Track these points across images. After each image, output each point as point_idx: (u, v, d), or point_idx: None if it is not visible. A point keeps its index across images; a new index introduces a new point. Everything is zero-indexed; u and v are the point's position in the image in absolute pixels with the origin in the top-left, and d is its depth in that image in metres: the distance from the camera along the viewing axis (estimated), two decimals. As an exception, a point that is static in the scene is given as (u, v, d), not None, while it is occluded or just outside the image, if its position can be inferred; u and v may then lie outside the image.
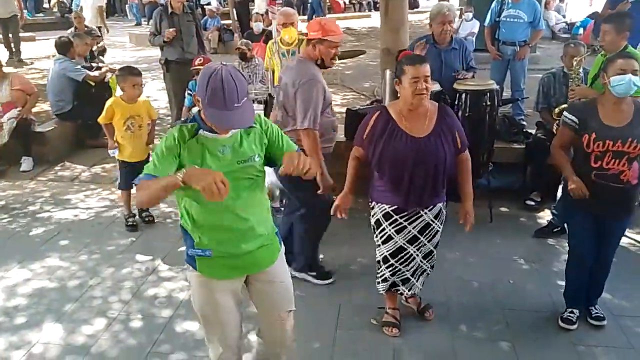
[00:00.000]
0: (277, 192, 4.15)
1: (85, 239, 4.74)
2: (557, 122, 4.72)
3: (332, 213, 3.37)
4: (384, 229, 3.31)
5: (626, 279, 4.11)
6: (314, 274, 4.09)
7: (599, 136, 3.22)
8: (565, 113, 3.45)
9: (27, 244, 4.67)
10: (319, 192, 3.61)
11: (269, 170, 3.53)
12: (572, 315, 3.56)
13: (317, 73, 3.65)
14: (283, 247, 2.69)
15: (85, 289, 4.00)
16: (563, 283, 3.72)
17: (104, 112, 4.77)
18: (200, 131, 2.36)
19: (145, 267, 4.29)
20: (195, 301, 2.56)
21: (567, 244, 3.73)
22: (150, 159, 2.49)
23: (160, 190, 2.22)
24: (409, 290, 3.50)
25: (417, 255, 3.35)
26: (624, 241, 4.66)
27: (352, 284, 4.08)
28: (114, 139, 4.85)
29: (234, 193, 2.32)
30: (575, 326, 3.51)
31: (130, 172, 4.73)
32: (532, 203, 5.26)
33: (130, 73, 4.83)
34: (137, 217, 5.06)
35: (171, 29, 6.72)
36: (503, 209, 5.24)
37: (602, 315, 3.62)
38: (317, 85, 3.59)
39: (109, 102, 4.82)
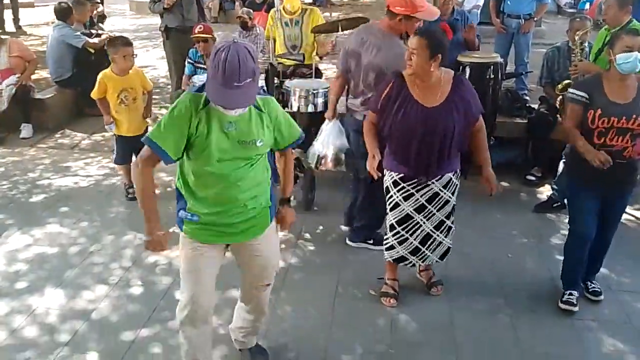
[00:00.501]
0: (343, 157, 4.12)
1: (86, 206, 4.74)
2: (560, 97, 4.70)
3: (370, 177, 3.24)
4: (392, 196, 3.34)
5: (626, 255, 4.14)
6: (371, 241, 4.13)
7: (604, 112, 3.20)
8: (572, 90, 3.39)
9: (28, 211, 4.67)
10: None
11: (334, 133, 3.54)
12: (571, 297, 3.54)
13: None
14: (273, 223, 2.70)
15: (86, 256, 4.01)
16: (562, 258, 3.73)
17: (96, 86, 4.60)
18: (211, 103, 2.35)
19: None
20: (180, 256, 2.67)
21: (566, 219, 3.74)
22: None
23: (140, 204, 2.54)
24: (422, 262, 3.49)
25: (425, 223, 3.34)
26: (624, 217, 4.69)
27: (350, 255, 4.10)
28: (109, 113, 4.72)
29: (231, 170, 2.41)
30: (576, 308, 3.50)
31: (128, 147, 4.70)
32: (533, 178, 5.26)
33: (120, 43, 4.61)
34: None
35: None
36: (504, 183, 5.23)
37: (599, 290, 3.64)
38: None
39: (100, 76, 4.62)
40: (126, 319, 3.37)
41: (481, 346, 3.22)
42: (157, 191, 4.86)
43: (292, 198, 2.58)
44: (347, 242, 4.21)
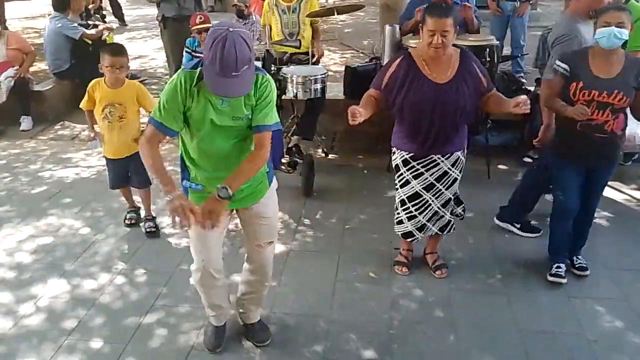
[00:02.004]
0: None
1: (87, 196, 4.78)
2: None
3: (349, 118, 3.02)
4: (402, 174, 3.42)
5: (622, 233, 4.20)
6: (518, 226, 4.19)
7: (585, 85, 3.27)
8: (557, 62, 3.44)
9: (30, 202, 4.71)
10: (535, 141, 3.84)
11: None
12: (560, 270, 3.62)
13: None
14: (272, 186, 2.86)
15: (89, 245, 4.06)
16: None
17: (85, 96, 4.04)
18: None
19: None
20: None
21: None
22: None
23: (153, 176, 2.64)
24: (423, 234, 3.58)
25: (434, 202, 3.44)
26: (620, 197, 4.76)
27: (350, 239, 4.15)
28: (97, 128, 4.15)
29: (226, 142, 2.58)
30: (565, 280, 3.59)
31: (118, 170, 4.14)
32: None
33: (107, 51, 3.94)
34: (137, 214, 4.37)
35: None
36: (501, 165, 5.28)
37: (585, 265, 3.71)
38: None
39: (90, 84, 4.03)
40: (130, 306, 3.42)
41: (479, 324, 3.27)
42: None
43: (229, 193, 2.45)
44: (495, 220, 4.31)
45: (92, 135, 4.18)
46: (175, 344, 3.11)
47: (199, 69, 2.42)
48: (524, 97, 2.95)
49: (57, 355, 3.03)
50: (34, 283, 3.63)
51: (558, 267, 3.64)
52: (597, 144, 3.33)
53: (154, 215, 4.31)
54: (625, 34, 3.18)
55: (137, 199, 4.38)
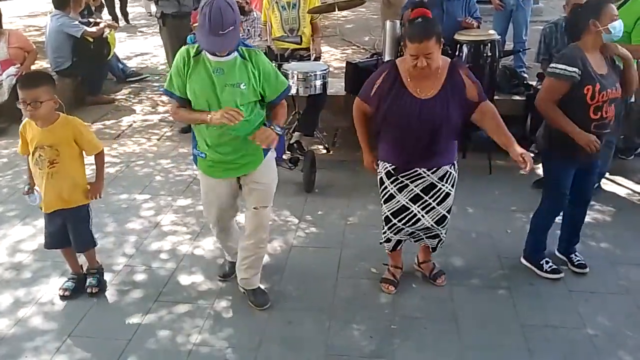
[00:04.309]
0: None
1: (89, 194, 4.77)
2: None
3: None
4: (386, 187, 3.28)
5: (624, 228, 4.19)
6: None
7: (603, 86, 3.19)
8: (559, 65, 3.24)
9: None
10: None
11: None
12: (550, 264, 3.63)
13: None
14: (270, 155, 3.22)
15: (90, 243, 4.05)
16: (560, 233, 3.79)
17: (20, 139, 3.38)
18: (203, 52, 2.91)
19: (149, 222, 4.35)
20: (200, 188, 3.39)
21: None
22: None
23: (192, 121, 3.07)
24: (415, 241, 3.51)
25: (424, 217, 3.26)
26: (622, 191, 4.75)
27: (351, 235, 4.15)
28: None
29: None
30: (562, 274, 3.61)
31: (51, 228, 3.40)
32: (532, 155, 5.26)
33: (19, 83, 3.19)
34: (76, 280, 3.54)
35: None
36: (502, 161, 5.25)
37: (584, 263, 3.69)
38: None
39: (22, 123, 3.36)
40: (132, 304, 3.42)
41: (481, 319, 3.27)
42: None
43: (279, 129, 3.02)
44: None
45: (27, 188, 3.34)
46: (175, 344, 3.11)
47: (197, 43, 2.89)
48: (529, 160, 2.83)
49: (57, 355, 3.03)
50: (35, 283, 3.63)
51: (547, 261, 3.65)
52: (603, 139, 3.31)
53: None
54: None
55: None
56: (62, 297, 3.45)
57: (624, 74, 3.32)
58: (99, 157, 3.39)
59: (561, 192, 3.49)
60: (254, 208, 3.24)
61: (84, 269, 3.60)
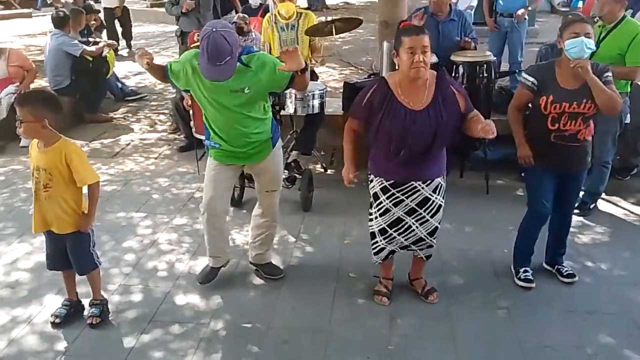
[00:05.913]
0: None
1: (85, 212, 4.76)
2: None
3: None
4: (381, 202, 3.31)
5: (621, 248, 4.18)
6: None
7: (556, 98, 3.32)
8: (523, 74, 3.52)
9: (27, 219, 4.62)
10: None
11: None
12: (528, 274, 3.68)
13: None
14: (277, 146, 3.56)
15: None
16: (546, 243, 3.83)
17: None
18: None
19: (146, 240, 4.33)
20: (205, 172, 3.60)
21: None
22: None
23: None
24: (405, 250, 3.50)
25: (418, 227, 3.32)
26: (618, 211, 4.76)
27: (349, 254, 4.14)
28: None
29: (232, 111, 3.27)
30: (534, 284, 3.64)
31: (52, 248, 3.34)
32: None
33: (16, 101, 3.22)
34: (69, 306, 3.43)
35: (190, 0, 6.63)
36: (499, 180, 5.27)
37: (572, 272, 3.74)
38: None
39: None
40: (128, 323, 3.40)
41: (479, 338, 3.25)
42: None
43: (302, 66, 3.22)
44: None
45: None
46: (172, 361, 3.08)
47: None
48: (488, 121, 2.95)
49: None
50: (30, 302, 3.59)
51: (526, 271, 3.70)
52: (570, 152, 3.42)
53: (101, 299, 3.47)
54: (593, 44, 3.27)
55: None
56: (53, 324, 3.33)
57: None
58: (92, 189, 3.20)
59: (540, 200, 3.56)
60: (266, 191, 3.64)
61: (90, 297, 3.45)
